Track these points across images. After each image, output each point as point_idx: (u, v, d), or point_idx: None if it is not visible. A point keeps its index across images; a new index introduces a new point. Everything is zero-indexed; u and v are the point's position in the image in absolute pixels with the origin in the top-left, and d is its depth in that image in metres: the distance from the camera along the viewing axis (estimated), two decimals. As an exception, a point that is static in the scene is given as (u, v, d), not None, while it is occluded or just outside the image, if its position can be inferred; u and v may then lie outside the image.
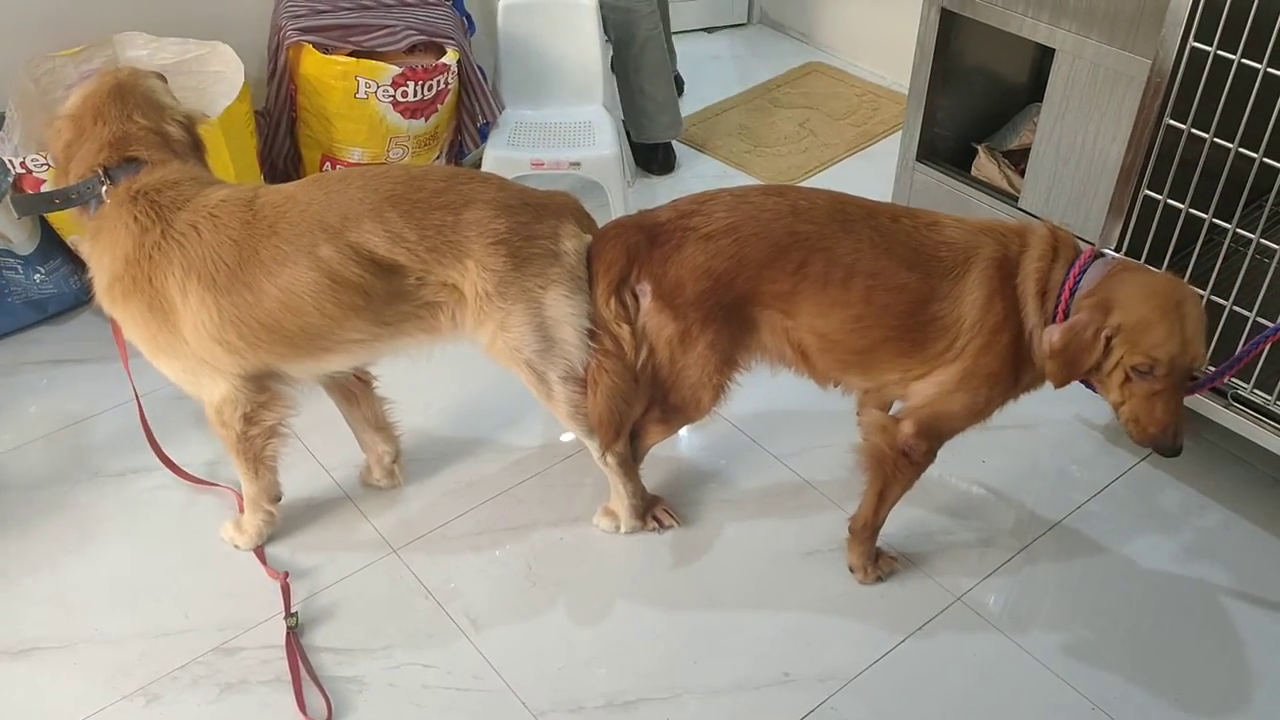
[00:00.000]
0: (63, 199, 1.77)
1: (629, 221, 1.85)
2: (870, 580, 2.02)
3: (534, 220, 1.79)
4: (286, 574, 1.98)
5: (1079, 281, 1.71)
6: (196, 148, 1.89)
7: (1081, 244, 1.79)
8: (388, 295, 1.75)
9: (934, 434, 1.85)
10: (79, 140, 1.77)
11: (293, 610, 1.93)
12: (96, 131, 1.76)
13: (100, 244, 1.76)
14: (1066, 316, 1.71)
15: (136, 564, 2.05)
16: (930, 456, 1.88)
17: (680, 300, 1.77)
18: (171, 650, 1.89)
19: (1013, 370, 1.78)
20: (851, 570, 2.03)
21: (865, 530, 1.98)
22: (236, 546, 2.06)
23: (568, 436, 2.31)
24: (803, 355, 1.85)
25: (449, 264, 1.74)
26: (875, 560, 2.02)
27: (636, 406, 1.91)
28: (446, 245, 1.73)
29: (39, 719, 1.79)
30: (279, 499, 2.05)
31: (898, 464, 1.87)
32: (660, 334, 1.81)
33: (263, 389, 1.86)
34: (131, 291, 1.74)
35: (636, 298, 1.81)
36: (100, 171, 1.74)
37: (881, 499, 1.93)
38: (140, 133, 1.78)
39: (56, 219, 2.48)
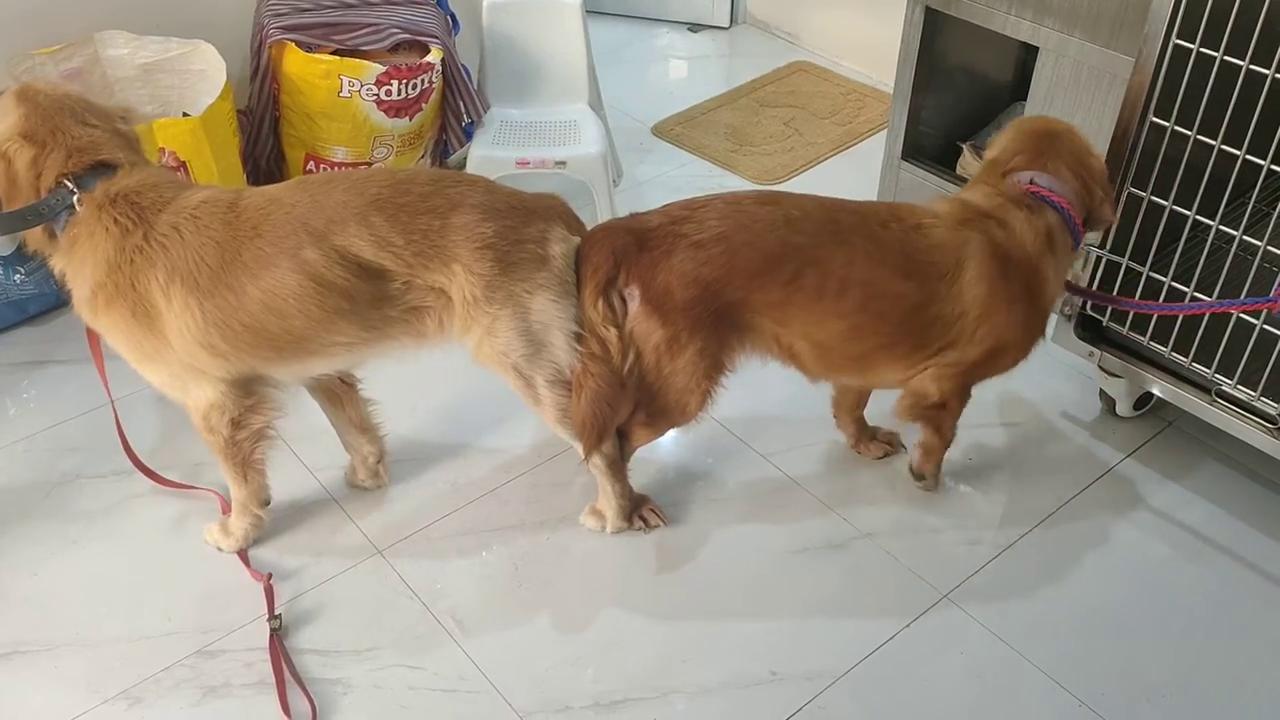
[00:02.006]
0: (33, 215, 1.71)
1: (618, 225, 1.85)
2: (938, 488, 2.17)
3: (522, 224, 1.77)
4: (270, 575, 1.97)
5: (1057, 194, 1.86)
6: (139, 142, 1.85)
7: (1016, 175, 1.90)
8: (373, 299, 1.73)
9: (965, 390, 1.98)
10: (43, 153, 1.70)
11: (276, 612, 1.91)
12: (59, 140, 1.70)
13: (78, 253, 1.72)
14: (1085, 224, 1.91)
15: (118, 566, 2.03)
16: (958, 398, 1.98)
17: (669, 306, 1.77)
18: (153, 653, 1.87)
19: (1038, 323, 1.91)
20: (921, 478, 2.15)
21: (937, 453, 2.11)
22: (220, 549, 2.04)
23: (553, 437, 2.30)
24: (794, 358, 1.87)
25: (435, 269, 1.73)
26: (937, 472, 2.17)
27: (621, 410, 1.91)
28: (433, 250, 1.72)
29: (19, 724, 1.77)
30: (268, 503, 2.04)
31: (938, 413, 2.00)
32: (648, 339, 1.81)
33: (249, 393, 1.84)
34: (114, 298, 1.72)
35: (624, 301, 1.81)
36: (70, 181, 1.70)
37: (939, 434, 2.06)
38: (103, 135, 1.74)
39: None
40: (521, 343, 1.80)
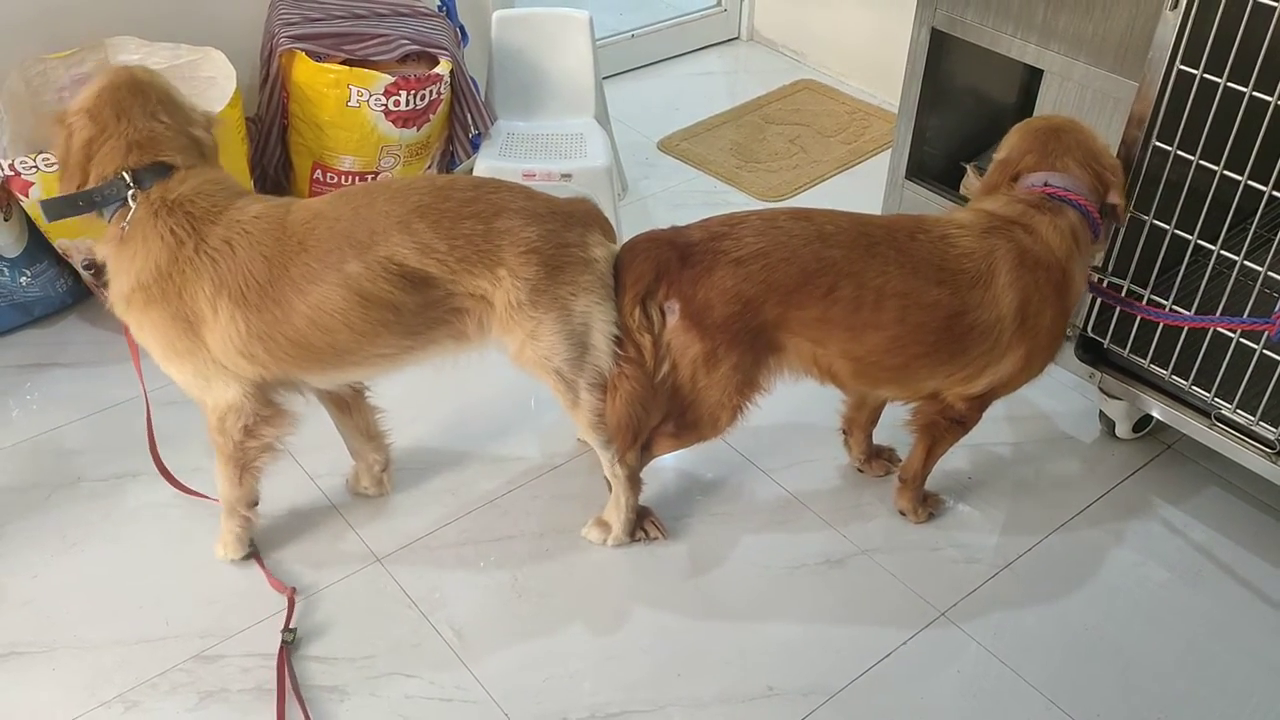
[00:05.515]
0: (86, 201, 1.70)
1: (661, 237, 1.87)
2: (923, 519, 2.16)
3: (563, 228, 1.79)
4: (294, 590, 1.96)
5: (1073, 192, 1.87)
6: (215, 151, 1.85)
7: (1029, 178, 1.91)
8: (417, 307, 1.74)
9: (989, 404, 2.00)
10: (101, 137, 1.69)
11: (292, 626, 1.90)
12: (120, 129, 1.69)
13: (127, 250, 1.71)
14: (1100, 214, 1.91)
15: (117, 570, 2.03)
16: (980, 417, 2.02)
17: (708, 321, 1.79)
18: (151, 657, 1.87)
19: (1064, 325, 1.94)
20: (903, 514, 2.17)
21: (915, 480, 2.13)
22: (232, 561, 2.03)
23: (555, 448, 2.31)
24: (833, 376, 1.90)
25: (480, 274, 1.74)
26: (924, 501, 2.16)
27: (654, 414, 1.92)
28: (477, 255, 1.73)
29: (16, 725, 1.78)
30: (255, 504, 2.03)
31: (950, 429, 2.03)
32: (685, 352, 1.83)
33: (268, 404, 1.84)
34: (157, 300, 1.71)
35: (663, 313, 1.83)
36: (128, 175, 1.69)
37: (930, 455, 2.08)
38: (168, 134, 1.73)
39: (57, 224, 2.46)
40: (565, 347, 1.81)
